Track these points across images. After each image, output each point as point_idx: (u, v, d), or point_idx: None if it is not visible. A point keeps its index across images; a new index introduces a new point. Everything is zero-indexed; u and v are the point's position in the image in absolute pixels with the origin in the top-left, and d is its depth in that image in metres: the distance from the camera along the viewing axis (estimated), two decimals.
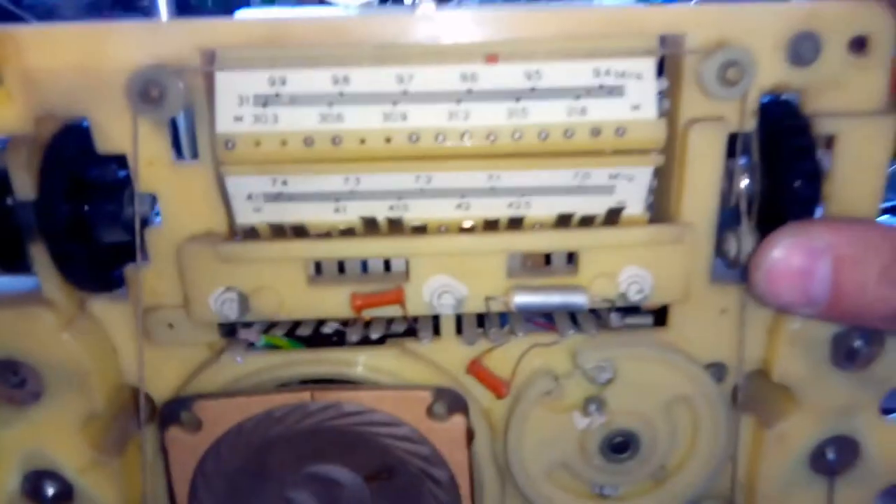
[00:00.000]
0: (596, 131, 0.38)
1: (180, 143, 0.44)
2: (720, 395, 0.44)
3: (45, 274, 0.40)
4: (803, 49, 0.38)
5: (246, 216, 0.41)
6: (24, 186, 0.38)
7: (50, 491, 0.43)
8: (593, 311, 0.44)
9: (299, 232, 0.41)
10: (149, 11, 0.82)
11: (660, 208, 0.42)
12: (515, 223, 0.41)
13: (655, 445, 0.44)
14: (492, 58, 0.38)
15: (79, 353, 0.41)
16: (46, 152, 0.38)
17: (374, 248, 0.40)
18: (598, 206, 0.40)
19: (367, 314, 0.42)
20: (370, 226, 0.40)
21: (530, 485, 0.45)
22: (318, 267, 0.43)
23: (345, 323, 0.44)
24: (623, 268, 0.41)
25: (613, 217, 0.40)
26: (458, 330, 0.43)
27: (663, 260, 0.40)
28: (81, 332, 0.41)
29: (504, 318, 0.44)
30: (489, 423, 0.45)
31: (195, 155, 0.40)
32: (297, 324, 0.44)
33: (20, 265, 0.40)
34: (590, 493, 0.46)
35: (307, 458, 0.43)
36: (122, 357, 0.44)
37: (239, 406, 0.41)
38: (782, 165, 0.39)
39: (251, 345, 0.43)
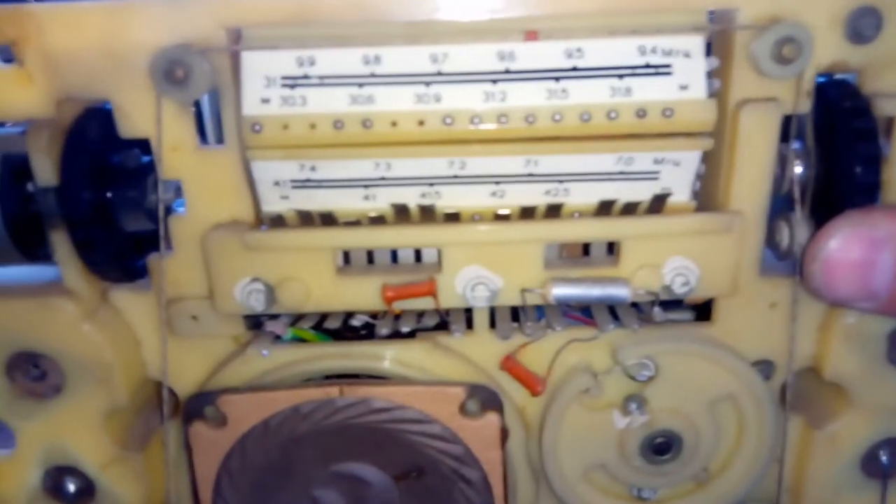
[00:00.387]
0: (641, 112, 0.36)
1: (204, 129, 0.43)
2: (768, 394, 0.41)
3: (66, 263, 0.39)
4: (863, 25, 0.36)
5: (272, 203, 0.39)
6: (45, 172, 0.37)
7: (71, 487, 0.42)
8: (634, 305, 0.42)
9: (327, 220, 0.39)
10: None
11: (707, 196, 0.39)
12: (553, 211, 0.39)
13: (698, 446, 0.42)
14: (531, 34, 0.36)
15: (101, 344, 0.39)
16: (69, 136, 0.37)
17: (405, 237, 0.39)
18: (641, 192, 0.38)
19: (398, 307, 0.40)
20: (401, 214, 0.39)
21: (565, 486, 0.43)
22: (347, 257, 0.41)
23: (374, 316, 0.42)
24: (668, 259, 0.38)
25: (658, 204, 0.38)
26: (492, 324, 0.41)
27: (711, 251, 0.38)
28: (103, 324, 0.40)
29: (539, 311, 0.42)
30: (523, 421, 0.43)
31: (220, 140, 0.39)
32: (324, 316, 0.42)
33: (41, 253, 0.39)
34: (627, 496, 0.44)
35: (334, 455, 0.41)
36: (145, 350, 0.42)
37: (265, 401, 0.39)
38: (841, 149, 0.37)
39: (277, 338, 0.41)
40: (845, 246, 0.34)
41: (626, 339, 0.40)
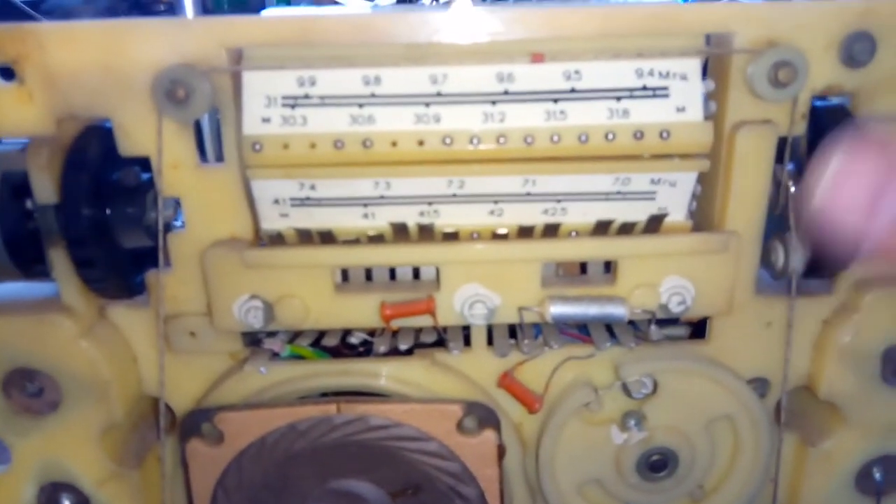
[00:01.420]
0: (639, 134, 0.36)
1: (204, 147, 0.43)
2: (765, 415, 0.42)
3: (64, 279, 0.39)
4: (857, 50, 0.36)
5: (272, 221, 0.39)
6: (45, 189, 0.37)
7: None
8: (630, 323, 0.42)
9: (326, 238, 0.39)
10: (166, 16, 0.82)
11: (703, 216, 0.40)
12: (551, 230, 0.39)
13: (694, 464, 0.42)
14: (538, 56, 0.36)
15: (98, 361, 0.39)
16: (69, 155, 0.37)
17: (403, 256, 0.39)
18: (638, 212, 0.39)
19: (396, 324, 0.40)
20: (400, 232, 0.39)
21: (561, 501, 0.43)
22: (345, 275, 0.41)
23: (371, 333, 0.42)
24: (664, 278, 0.39)
25: (655, 224, 0.39)
26: (489, 341, 0.42)
27: (707, 270, 0.38)
28: (101, 340, 0.40)
29: (536, 329, 0.42)
30: (520, 438, 0.43)
31: (219, 158, 0.39)
32: (322, 334, 0.42)
33: (39, 270, 0.39)
34: None
35: (331, 473, 0.41)
36: (142, 366, 0.42)
37: (262, 418, 0.39)
38: None
39: (275, 355, 0.41)
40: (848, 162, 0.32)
41: (627, 357, 0.41)
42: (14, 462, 0.42)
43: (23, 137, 0.37)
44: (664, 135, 0.36)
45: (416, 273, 0.42)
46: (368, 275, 0.42)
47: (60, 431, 0.41)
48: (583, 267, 0.42)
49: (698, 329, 0.43)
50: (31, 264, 0.39)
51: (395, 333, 0.42)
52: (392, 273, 0.42)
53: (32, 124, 0.36)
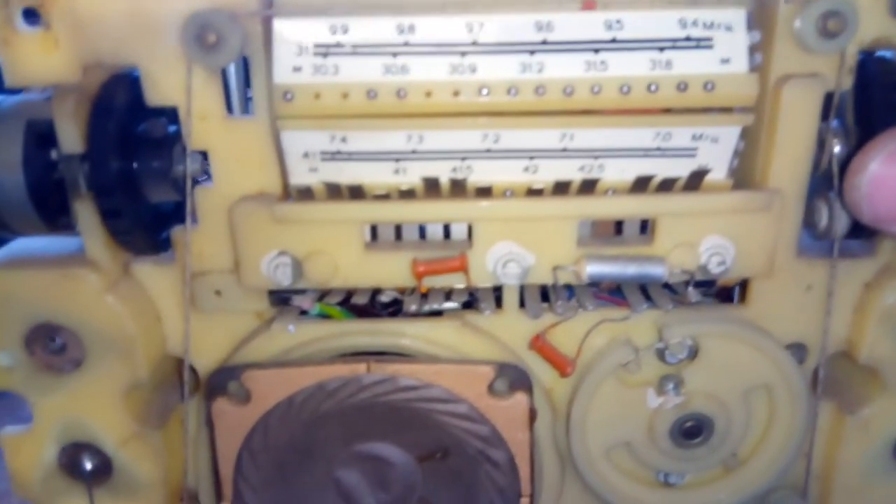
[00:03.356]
0: (682, 86, 0.35)
1: (230, 100, 0.42)
2: (803, 383, 0.40)
3: (89, 232, 0.38)
4: None
5: (301, 176, 0.38)
6: (71, 139, 0.36)
7: (88, 464, 0.41)
8: (665, 285, 0.41)
9: (356, 193, 0.38)
10: None
11: (744, 174, 0.39)
12: (588, 187, 0.38)
13: (729, 432, 0.41)
14: (589, 3, 0.35)
15: (122, 317, 0.39)
16: (96, 102, 0.36)
17: (435, 212, 0.38)
18: (678, 169, 0.37)
19: (426, 284, 0.39)
20: (431, 188, 0.38)
21: (590, 465, 0.42)
22: (374, 233, 0.40)
23: (401, 293, 0.41)
24: (704, 237, 0.38)
25: (695, 181, 0.37)
26: (521, 303, 0.41)
27: (748, 230, 0.37)
28: (125, 296, 0.39)
29: (568, 292, 0.41)
30: (551, 403, 0.42)
31: (246, 112, 0.38)
32: (350, 294, 0.41)
33: (63, 223, 0.38)
34: (654, 481, 0.43)
35: (358, 435, 0.40)
36: (166, 325, 0.42)
37: (290, 377, 0.39)
38: (880, 127, 0.36)
39: (303, 313, 0.40)
40: (889, 162, 0.33)
41: (669, 318, 0.39)
42: (36, 421, 0.41)
43: (48, 85, 0.36)
44: (708, 87, 0.35)
45: (447, 233, 0.41)
46: (398, 234, 0.41)
47: (83, 390, 0.40)
48: (618, 228, 0.41)
49: (728, 294, 0.42)
50: (56, 216, 0.38)
51: (424, 295, 0.41)
52: (422, 232, 0.41)
53: (58, 71, 0.35)
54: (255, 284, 0.39)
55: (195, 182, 0.38)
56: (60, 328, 0.39)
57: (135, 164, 0.38)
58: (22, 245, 0.41)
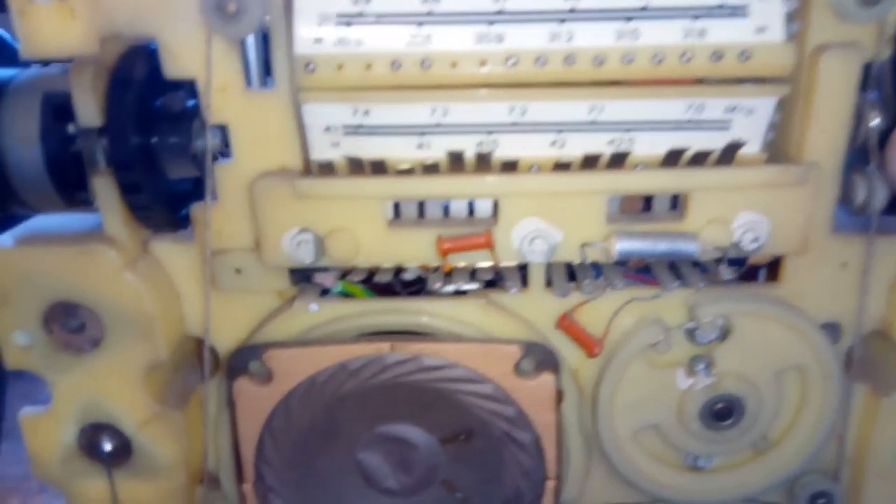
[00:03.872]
0: (717, 55, 0.34)
1: (249, 74, 0.41)
2: (837, 365, 0.39)
3: (107, 208, 0.37)
4: None
5: (322, 151, 0.37)
6: (88, 111, 0.35)
7: (107, 445, 0.41)
8: (694, 263, 0.40)
9: (378, 169, 0.37)
10: None
11: (778, 147, 0.37)
12: (617, 162, 0.37)
13: (760, 413, 0.40)
14: None
15: (141, 295, 0.38)
16: (114, 74, 0.35)
17: (460, 187, 0.37)
18: (711, 142, 0.36)
19: (451, 261, 0.38)
20: (456, 163, 0.37)
21: (617, 448, 0.41)
22: (397, 212, 0.40)
23: (424, 271, 0.40)
24: (737, 213, 0.36)
25: (729, 155, 0.36)
26: (546, 282, 0.40)
27: (783, 205, 0.36)
28: (144, 274, 0.38)
29: (594, 272, 0.40)
30: (577, 385, 0.41)
31: (265, 85, 0.37)
32: (373, 272, 0.41)
33: (81, 198, 0.38)
34: (682, 465, 0.43)
35: (381, 415, 0.39)
36: (185, 304, 0.41)
37: (313, 356, 0.38)
38: None
39: (325, 292, 0.40)
40: None
41: (700, 297, 0.38)
42: (54, 401, 0.40)
43: (65, 57, 0.35)
44: (743, 56, 0.34)
45: (471, 211, 0.40)
46: (421, 212, 0.40)
47: (102, 369, 0.39)
48: (646, 205, 0.39)
49: (748, 276, 0.41)
50: (74, 191, 0.37)
51: (447, 274, 0.40)
52: (445, 210, 0.40)
53: (75, 42, 0.34)
54: (276, 262, 0.38)
55: (214, 158, 0.37)
56: (79, 306, 0.38)
57: (153, 139, 0.37)
58: (39, 222, 0.40)
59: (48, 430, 0.41)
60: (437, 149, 0.37)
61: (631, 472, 0.41)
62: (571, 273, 0.40)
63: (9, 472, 0.61)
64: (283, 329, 0.39)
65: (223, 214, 0.38)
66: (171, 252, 0.40)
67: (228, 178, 0.38)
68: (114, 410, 0.40)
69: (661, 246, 0.36)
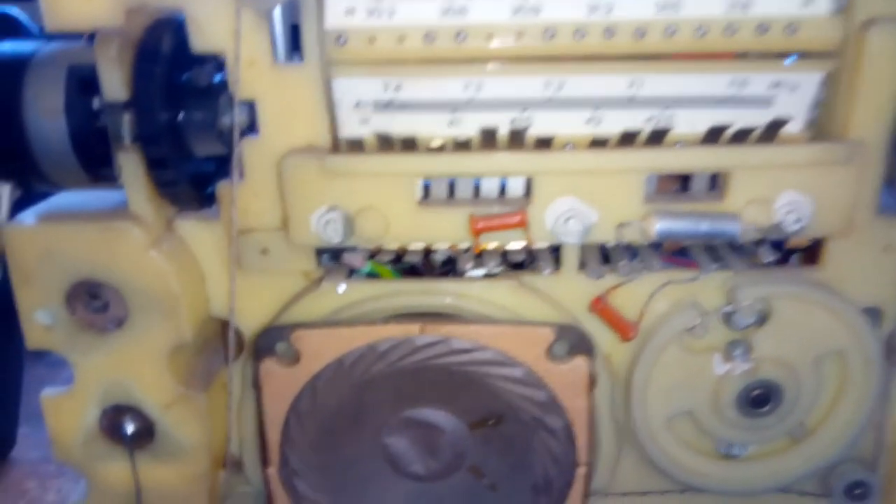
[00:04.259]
0: (762, 28, 0.33)
1: (276, 48, 0.40)
2: (879, 351, 0.38)
3: (132, 185, 0.36)
4: None
5: (352, 127, 0.36)
6: (114, 85, 0.34)
7: (130, 428, 0.40)
8: (732, 246, 0.39)
9: (409, 146, 0.36)
10: None
11: (822, 125, 0.36)
12: (656, 139, 0.36)
13: (798, 400, 0.39)
14: None
15: (167, 273, 0.37)
16: (140, 46, 0.34)
17: (493, 164, 0.36)
18: (753, 119, 0.35)
19: (483, 241, 0.37)
20: (488, 140, 0.36)
21: (650, 435, 0.40)
22: (426, 192, 0.38)
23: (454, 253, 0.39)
24: (780, 193, 0.35)
25: (772, 133, 0.35)
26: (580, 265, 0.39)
27: (827, 184, 0.35)
28: (169, 253, 0.37)
29: (629, 254, 0.39)
30: (610, 370, 0.40)
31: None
32: (401, 255, 0.40)
33: (106, 174, 0.37)
34: (715, 453, 0.42)
35: (409, 399, 0.39)
36: (210, 285, 0.40)
37: (341, 338, 0.37)
38: None
39: (352, 273, 0.39)
40: None
41: (740, 280, 0.37)
42: (77, 382, 0.40)
43: (90, 29, 0.35)
44: (789, 30, 0.33)
45: (503, 191, 0.39)
46: (451, 192, 0.39)
47: (126, 350, 0.39)
48: (683, 186, 0.38)
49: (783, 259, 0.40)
50: (98, 167, 0.36)
51: (478, 256, 0.39)
52: (476, 191, 0.39)
53: (100, 14, 0.34)
54: (303, 241, 0.37)
55: (241, 134, 0.36)
56: (102, 285, 0.37)
57: (180, 114, 0.36)
58: (63, 199, 0.39)
59: (70, 411, 0.40)
60: (470, 125, 0.36)
61: (663, 460, 0.40)
62: (604, 256, 0.39)
63: (28, 456, 0.61)
64: (309, 310, 0.38)
65: (249, 193, 0.37)
66: (196, 231, 0.39)
67: (255, 156, 0.37)
68: (137, 392, 0.40)
69: (703, 227, 0.35)
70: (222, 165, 0.38)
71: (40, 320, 0.38)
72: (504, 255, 0.39)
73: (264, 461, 0.40)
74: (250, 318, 0.40)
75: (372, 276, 0.39)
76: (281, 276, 0.39)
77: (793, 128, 0.36)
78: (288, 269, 0.39)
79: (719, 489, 0.41)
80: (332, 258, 0.40)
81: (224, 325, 0.40)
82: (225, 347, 0.40)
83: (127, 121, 0.35)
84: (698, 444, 0.41)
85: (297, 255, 0.38)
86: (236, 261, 0.38)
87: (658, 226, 0.35)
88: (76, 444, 0.41)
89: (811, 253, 0.39)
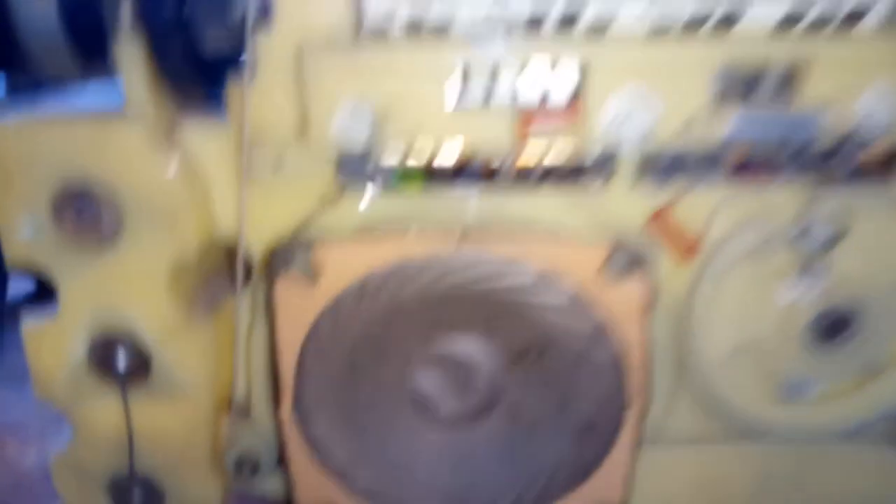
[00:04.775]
0: None
1: None
2: None
3: (131, 77, 0.32)
4: None
5: (379, 14, 0.32)
6: None
7: (122, 361, 0.35)
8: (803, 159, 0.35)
9: (443, 34, 0.32)
10: None
11: None
12: (725, 27, 0.32)
13: (876, 329, 0.35)
14: None
15: (167, 179, 0.33)
16: None
17: (543, 49, 0.32)
18: (831, 7, 0.31)
19: (530, 148, 0.33)
20: (536, 26, 0.32)
21: (710, 371, 0.36)
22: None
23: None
24: (861, 92, 0.32)
25: (852, 23, 0.31)
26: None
27: None
28: (171, 156, 0.33)
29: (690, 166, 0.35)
30: (666, 298, 0.36)
31: None
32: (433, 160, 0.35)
33: (102, 66, 0.32)
34: (780, 394, 0.37)
35: (441, 328, 0.34)
36: (216, 202, 0.36)
37: (366, 254, 0.33)
38: None
39: (377, 185, 0.34)
40: None
41: (812, 194, 0.33)
42: (62, 308, 0.35)
43: None
44: None
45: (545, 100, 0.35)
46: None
47: (119, 268, 0.34)
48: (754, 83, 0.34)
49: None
50: (91, 55, 0.32)
51: (521, 170, 0.35)
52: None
53: None
54: (324, 145, 0.33)
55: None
56: (94, 193, 0.33)
57: (185, 6, 0.32)
58: (53, 98, 0.35)
59: (54, 341, 0.35)
60: (515, 8, 0.32)
61: (723, 400, 0.36)
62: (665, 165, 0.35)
63: (6, 418, 0.56)
64: (328, 230, 0.34)
65: (263, 93, 0.33)
66: (202, 138, 0.35)
67: (270, 50, 0.32)
68: (131, 319, 0.35)
69: (776, 128, 0.31)
70: (231, 63, 0.33)
71: (23, 232, 0.33)
72: (548, 171, 0.35)
73: (276, 399, 0.35)
74: (261, 237, 0.35)
75: (401, 181, 0.34)
76: (297, 191, 0.35)
77: (872, 20, 0.32)
78: (305, 182, 0.35)
79: (783, 433, 0.37)
80: (351, 172, 0.35)
81: (230, 250, 0.36)
82: (232, 273, 0.36)
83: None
84: (761, 386, 0.37)
85: (315, 165, 0.34)
86: (247, 171, 0.33)
87: (729, 126, 0.31)
88: (60, 380, 0.36)
89: (890, 164, 0.35)
